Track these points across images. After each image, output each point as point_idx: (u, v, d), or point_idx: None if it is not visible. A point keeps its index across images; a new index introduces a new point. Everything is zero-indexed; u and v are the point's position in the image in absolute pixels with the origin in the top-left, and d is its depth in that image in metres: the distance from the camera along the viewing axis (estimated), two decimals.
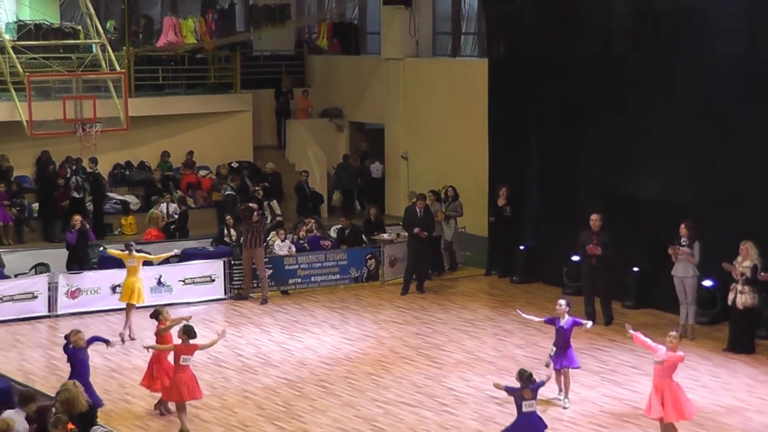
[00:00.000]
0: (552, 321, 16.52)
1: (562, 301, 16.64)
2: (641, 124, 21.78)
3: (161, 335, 16.32)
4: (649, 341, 14.71)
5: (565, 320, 16.35)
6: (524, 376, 13.59)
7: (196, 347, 15.54)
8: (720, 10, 20.59)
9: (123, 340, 19.65)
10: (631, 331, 14.88)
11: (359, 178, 30.82)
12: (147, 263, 20.78)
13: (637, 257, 21.62)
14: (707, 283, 19.77)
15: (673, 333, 14.46)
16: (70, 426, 12.03)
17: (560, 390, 16.51)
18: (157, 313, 16.45)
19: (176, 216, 25.45)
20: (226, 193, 26.74)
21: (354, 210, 29.39)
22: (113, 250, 21.40)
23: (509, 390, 13.84)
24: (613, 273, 20.81)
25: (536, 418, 13.81)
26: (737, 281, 18.65)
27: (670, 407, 14.39)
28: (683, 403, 14.51)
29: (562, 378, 16.44)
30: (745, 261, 18.60)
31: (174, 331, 16.01)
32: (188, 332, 15.47)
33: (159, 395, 16.26)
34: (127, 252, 20.32)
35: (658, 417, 14.45)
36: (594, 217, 20.58)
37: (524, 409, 13.64)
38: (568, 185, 23.10)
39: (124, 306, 20.17)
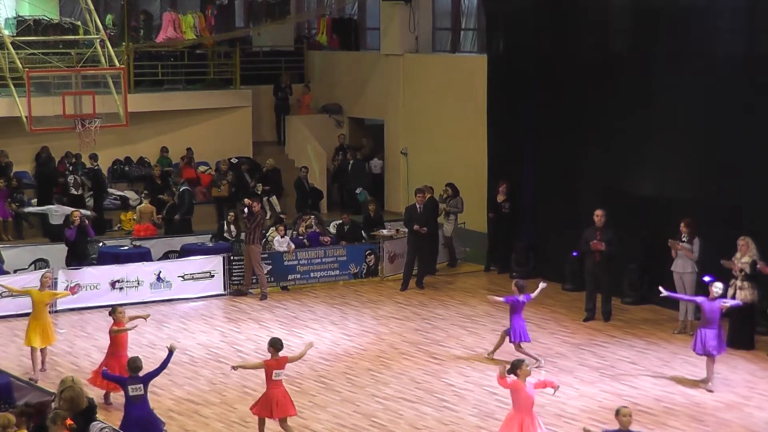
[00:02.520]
0: (510, 299, 18.04)
1: (520, 282, 18.30)
2: (641, 121, 21.78)
3: (114, 336, 16.24)
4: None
5: (519, 296, 17.89)
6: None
7: (286, 360, 14.90)
8: (720, 8, 20.62)
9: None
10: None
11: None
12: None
13: (636, 254, 21.63)
14: (707, 278, 19.77)
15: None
16: (69, 422, 12.03)
17: (531, 357, 17.66)
18: (113, 311, 16.38)
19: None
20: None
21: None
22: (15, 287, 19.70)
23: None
24: (615, 269, 20.85)
25: None
26: (736, 277, 18.66)
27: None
28: None
29: (523, 349, 17.84)
30: (744, 257, 18.62)
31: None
32: (275, 345, 14.82)
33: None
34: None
35: None
36: (598, 212, 20.56)
37: None
38: (567, 181, 23.12)
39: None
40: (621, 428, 12.54)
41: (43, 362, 18.16)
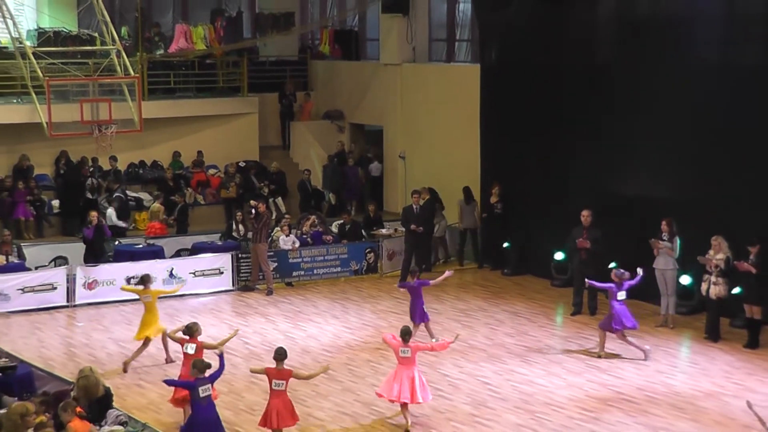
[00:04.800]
0: (406, 285, 19.22)
1: (414, 268, 20.07)
2: (625, 127, 21.80)
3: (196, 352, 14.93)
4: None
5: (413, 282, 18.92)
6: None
7: (289, 374, 14.09)
8: (698, 20, 20.65)
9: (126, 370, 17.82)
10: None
11: (343, 178, 29.84)
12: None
13: (621, 252, 21.62)
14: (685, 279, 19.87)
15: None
16: (78, 409, 12.05)
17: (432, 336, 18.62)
18: (190, 330, 15.26)
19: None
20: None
21: (346, 209, 28.71)
22: (128, 287, 19.99)
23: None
24: (601, 266, 20.86)
25: None
26: (711, 273, 18.73)
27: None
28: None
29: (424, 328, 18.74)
30: (718, 254, 18.70)
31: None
32: (277, 355, 14.13)
33: None
34: (142, 287, 18.40)
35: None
36: (585, 212, 20.60)
37: None
38: (556, 184, 23.13)
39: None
40: None
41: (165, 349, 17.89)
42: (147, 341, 17.82)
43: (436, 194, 24.86)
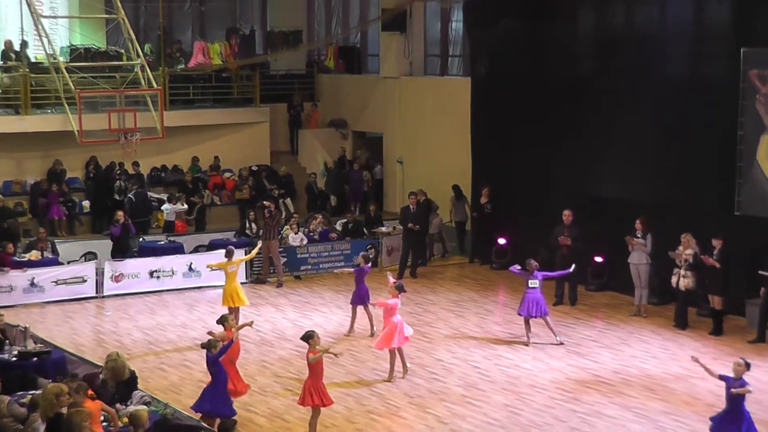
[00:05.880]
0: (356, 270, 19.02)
1: (365, 254, 20.06)
2: (603, 134, 21.83)
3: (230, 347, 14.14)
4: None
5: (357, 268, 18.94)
6: None
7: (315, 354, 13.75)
8: (669, 38, 20.69)
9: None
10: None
11: (347, 181, 29.86)
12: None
13: (599, 247, 21.69)
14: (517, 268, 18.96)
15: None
16: (90, 392, 12.10)
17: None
18: (223, 319, 15.06)
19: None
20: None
21: (350, 209, 28.57)
22: (213, 263, 19.81)
23: None
24: (581, 261, 20.89)
25: None
26: (680, 267, 18.77)
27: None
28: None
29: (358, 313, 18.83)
30: (687, 249, 18.73)
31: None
32: (306, 338, 13.86)
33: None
34: (226, 259, 18.75)
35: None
36: (566, 212, 20.65)
37: None
38: (540, 186, 23.15)
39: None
40: (735, 376, 12.79)
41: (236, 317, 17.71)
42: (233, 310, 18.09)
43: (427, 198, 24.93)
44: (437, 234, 24.96)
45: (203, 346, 13.96)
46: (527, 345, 17.92)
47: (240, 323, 16.14)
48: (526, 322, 18.05)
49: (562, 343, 17.92)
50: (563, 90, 22.57)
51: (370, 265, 19.38)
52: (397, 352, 16.38)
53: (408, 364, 16.49)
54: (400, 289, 16.63)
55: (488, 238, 24.27)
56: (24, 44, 27.35)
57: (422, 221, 23.62)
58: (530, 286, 17.89)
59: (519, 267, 18.42)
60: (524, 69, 23.55)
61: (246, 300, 18.78)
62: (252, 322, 15.82)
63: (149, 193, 27.06)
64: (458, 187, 25.24)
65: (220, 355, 13.76)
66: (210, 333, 15.14)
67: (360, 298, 18.84)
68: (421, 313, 20.45)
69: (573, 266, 18.91)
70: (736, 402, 12.65)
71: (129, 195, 25.90)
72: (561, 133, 22.67)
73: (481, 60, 25.15)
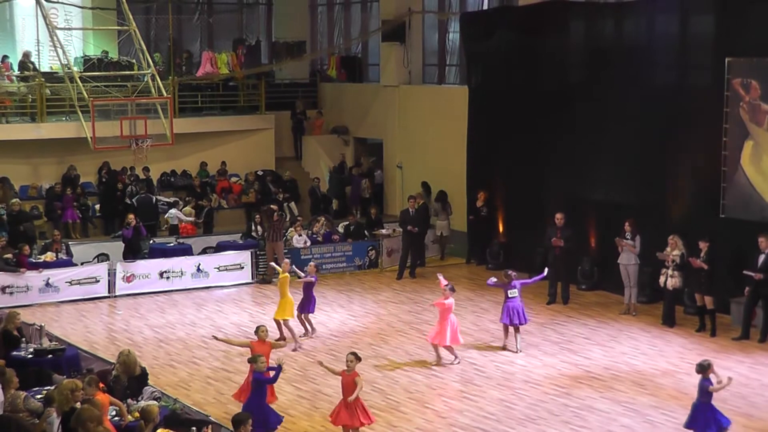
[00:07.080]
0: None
1: (313, 263, 19.21)
2: (594, 140, 21.84)
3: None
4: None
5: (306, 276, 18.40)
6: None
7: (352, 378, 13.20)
8: (657, 48, 20.69)
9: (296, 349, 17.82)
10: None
11: (349, 186, 29.77)
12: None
13: (590, 248, 21.71)
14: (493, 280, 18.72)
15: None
16: (101, 384, 12.13)
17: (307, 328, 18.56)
18: (258, 331, 14.76)
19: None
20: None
21: (351, 213, 28.53)
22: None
23: None
24: (572, 262, 20.92)
25: None
26: (668, 267, 18.78)
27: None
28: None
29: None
30: (674, 250, 18.74)
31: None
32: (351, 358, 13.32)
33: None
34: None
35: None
36: (558, 215, 20.65)
37: None
38: (534, 190, 23.15)
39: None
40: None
41: (291, 331, 17.92)
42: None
43: (445, 196, 24.94)
44: (448, 236, 24.99)
45: (249, 360, 13.76)
46: (516, 352, 17.53)
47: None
48: (506, 329, 17.75)
49: (521, 351, 17.51)
50: (555, 98, 22.58)
51: (316, 278, 18.68)
52: (441, 347, 16.91)
53: (447, 360, 16.85)
54: (452, 289, 16.87)
55: (484, 240, 24.26)
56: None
57: (421, 223, 23.63)
58: (509, 296, 17.63)
59: (495, 279, 18.23)
60: (518, 78, 23.57)
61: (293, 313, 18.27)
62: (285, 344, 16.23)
63: (159, 197, 27.08)
64: (444, 193, 25.05)
65: (273, 381, 13.51)
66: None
67: (303, 308, 18.38)
68: (420, 311, 20.48)
69: (546, 270, 18.80)
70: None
71: (132, 200, 25.93)
72: (553, 139, 22.68)
73: (477, 69, 25.15)
